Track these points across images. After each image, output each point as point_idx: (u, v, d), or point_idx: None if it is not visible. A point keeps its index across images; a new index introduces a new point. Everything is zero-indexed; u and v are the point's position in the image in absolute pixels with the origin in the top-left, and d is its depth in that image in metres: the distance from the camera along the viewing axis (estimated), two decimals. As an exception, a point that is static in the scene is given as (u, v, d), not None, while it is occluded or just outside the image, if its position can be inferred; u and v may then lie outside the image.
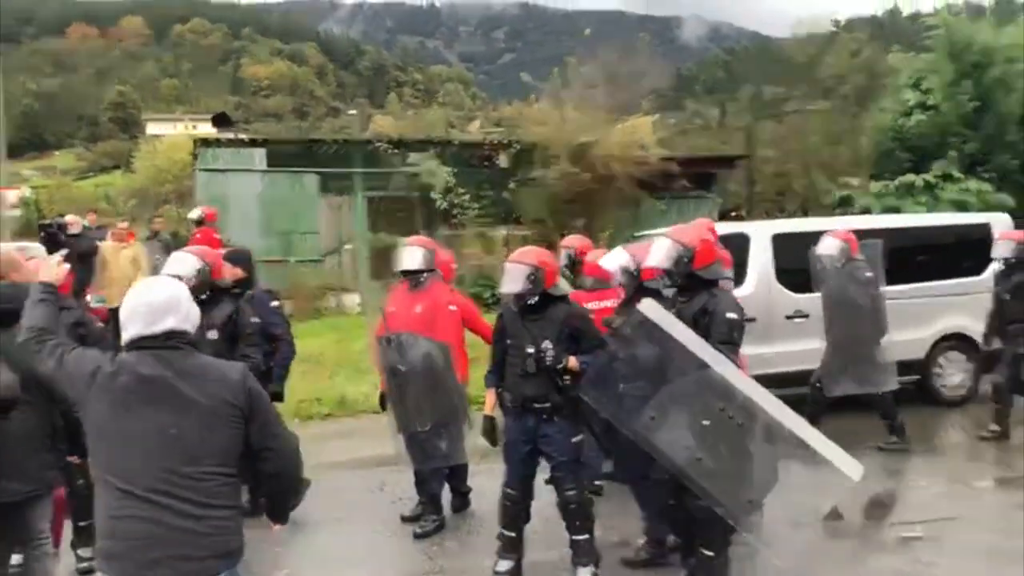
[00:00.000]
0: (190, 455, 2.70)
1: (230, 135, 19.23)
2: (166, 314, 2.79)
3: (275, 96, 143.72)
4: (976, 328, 8.47)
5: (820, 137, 19.73)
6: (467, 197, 16.38)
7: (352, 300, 15.33)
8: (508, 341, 5.03)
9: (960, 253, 9.07)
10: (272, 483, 2.99)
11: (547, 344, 4.73)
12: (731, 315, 4.45)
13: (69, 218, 11.78)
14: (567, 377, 4.79)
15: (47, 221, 12.26)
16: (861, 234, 7.38)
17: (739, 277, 7.85)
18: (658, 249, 4.74)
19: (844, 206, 17.22)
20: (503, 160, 17.02)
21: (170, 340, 2.79)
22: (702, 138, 23.73)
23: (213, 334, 5.30)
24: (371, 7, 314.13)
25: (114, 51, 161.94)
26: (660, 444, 3.99)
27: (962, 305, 8.83)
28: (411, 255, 5.99)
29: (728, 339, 4.35)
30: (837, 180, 18.41)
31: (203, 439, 2.73)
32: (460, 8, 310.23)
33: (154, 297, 2.83)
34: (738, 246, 7.69)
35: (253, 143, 16.65)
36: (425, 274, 5.93)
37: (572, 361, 4.79)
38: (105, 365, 2.78)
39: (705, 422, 3.94)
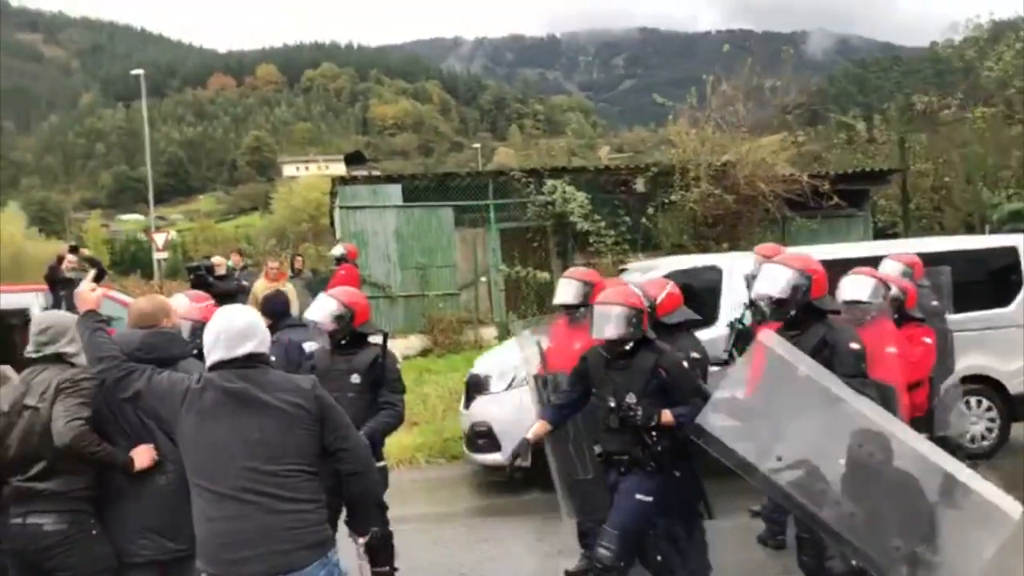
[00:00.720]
0: (271, 455, 2.97)
1: (363, 172, 19.36)
2: (245, 340, 3.11)
3: (401, 134, 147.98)
4: (1002, 368, 7.43)
5: (983, 146, 18.23)
6: (603, 224, 15.88)
7: (490, 333, 15.04)
8: (593, 389, 4.59)
9: (983, 281, 7.87)
10: (352, 483, 3.25)
11: (631, 398, 4.29)
12: (855, 346, 4.13)
13: (216, 260, 12.07)
14: (655, 434, 4.34)
15: (195, 263, 12.57)
16: (844, 263, 5.79)
17: (709, 317, 6.82)
18: (774, 276, 4.28)
19: (1015, 221, 15.78)
20: (640, 184, 16.45)
21: (249, 361, 3.10)
22: (849, 153, 22.44)
23: (356, 378, 5.04)
24: (491, 42, 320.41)
25: (250, 98, 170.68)
26: (790, 488, 3.62)
27: (984, 342, 7.62)
28: (567, 288, 5.61)
29: (856, 371, 4.02)
30: (1005, 192, 16.91)
31: (282, 440, 3.00)
32: (579, 37, 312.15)
33: (234, 324, 3.16)
34: (709, 281, 6.72)
35: (389, 179, 16.69)
36: (582, 308, 5.45)
37: (666, 416, 4.31)
38: (194, 385, 3.09)
39: (842, 461, 3.62)
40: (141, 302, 3.97)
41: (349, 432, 3.25)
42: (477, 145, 77.16)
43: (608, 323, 4.39)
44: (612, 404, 4.36)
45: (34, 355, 3.77)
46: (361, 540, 3.59)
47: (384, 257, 15.65)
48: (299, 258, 16.82)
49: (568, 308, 5.58)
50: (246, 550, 2.90)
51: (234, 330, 3.14)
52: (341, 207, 15.93)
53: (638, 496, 4.37)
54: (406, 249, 15.75)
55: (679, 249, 15.44)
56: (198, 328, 4.07)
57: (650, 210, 15.93)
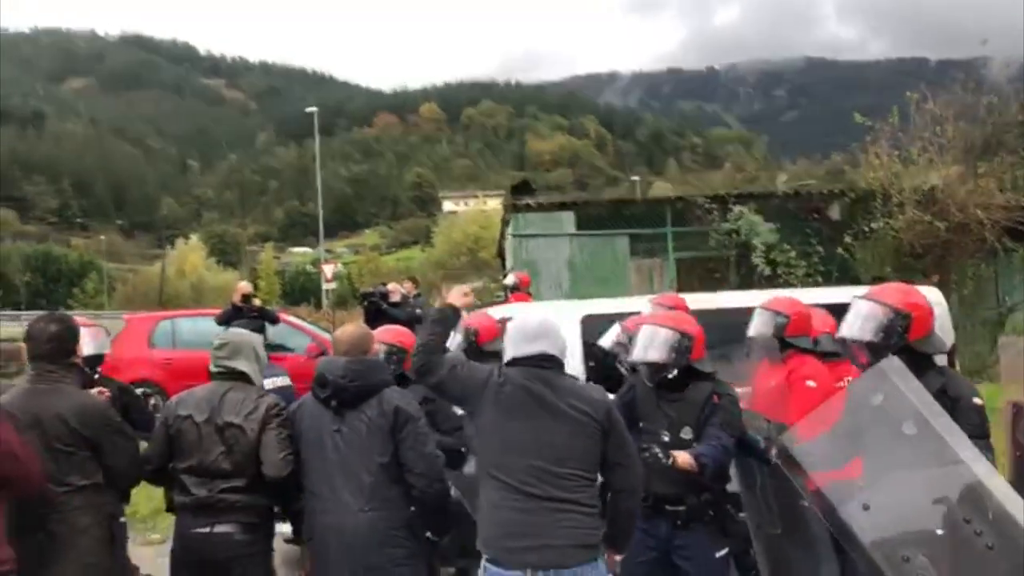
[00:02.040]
0: (558, 456, 3.16)
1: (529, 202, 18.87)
2: (538, 338, 3.35)
3: (557, 169, 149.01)
4: None
5: None
6: (793, 254, 14.61)
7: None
8: (640, 423, 4.05)
9: None
10: (619, 499, 3.35)
11: (687, 433, 3.91)
12: (978, 401, 3.46)
13: (391, 287, 11.77)
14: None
15: (370, 290, 12.31)
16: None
17: None
18: (863, 316, 3.57)
19: None
20: (835, 211, 15.09)
21: (542, 361, 3.32)
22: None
23: None
24: (648, 76, 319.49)
25: (413, 136, 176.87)
26: (872, 546, 3.04)
27: None
28: (760, 320, 4.78)
29: (982, 432, 3.30)
30: None
31: (569, 445, 3.19)
32: (739, 68, 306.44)
33: (528, 324, 3.43)
34: None
35: (563, 206, 16.07)
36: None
37: (683, 458, 3.71)
38: (494, 377, 3.33)
39: (939, 532, 2.99)
40: (348, 329, 3.97)
41: (630, 450, 3.37)
42: (636, 178, 76.10)
43: (650, 344, 4.05)
44: (667, 437, 3.91)
45: (216, 370, 3.87)
46: (618, 557, 3.64)
47: (556, 286, 14.97)
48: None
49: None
50: (525, 540, 3.12)
51: (529, 329, 3.40)
52: (513, 235, 15.43)
53: (716, 554, 3.94)
54: (579, 278, 15.03)
55: (879, 281, 13.96)
56: (394, 352, 4.58)
57: (847, 239, 14.52)
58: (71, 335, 3.67)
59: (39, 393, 3.49)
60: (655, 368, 4.04)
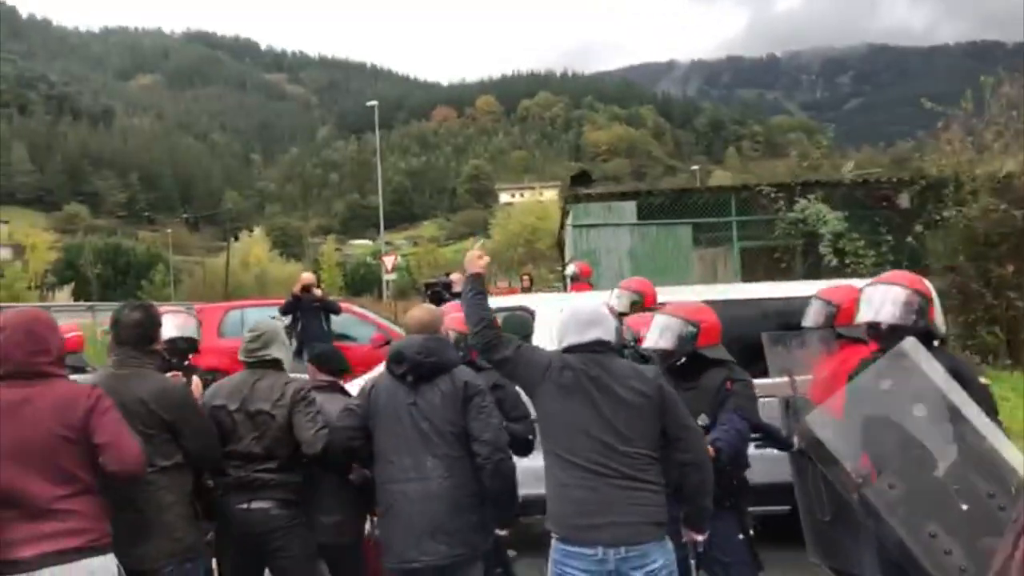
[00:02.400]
0: (622, 437, 3.25)
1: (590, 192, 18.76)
2: (592, 326, 3.45)
3: (614, 160, 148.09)
4: None
5: None
6: (861, 244, 14.25)
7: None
8: None
9: None
10: (687, 474, 3.38)
11: (703, 420, 3.97)
12: (985, 381, 3.73)
13: (453, 276, 11.83)
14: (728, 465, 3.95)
15: (432, 280, 12.41)
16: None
17: None
18: (888, 300, 3.64)
19: None
20: (904, 199, 14.67)
21: (596, 346, 3.42)
22: None
23: None
24: (707, 64, 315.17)
25: (470, 129, 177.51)
26: (896, 522, 3.10)
27: None
28: (813, 310, 4.83)
29: (991, 409, 3.36)
30: None
31: (630, 425, 3.28)
32: (802, 56, 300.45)
33: (582, 312, 3.53)
34: (519, 323, 5.56)
35: (624, 196, 15.92)
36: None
37: None
38: (555, 360, 3.45)
39: (964, 507, 3.06)
40: (420, 311, 4.14)
41: (689, 422, 3.44)
42: (695, 167, 75.34)
43: (659, 332, 4.28)
44: None
45: (249, 360, 4.11)
46: (699, 537, 3.64)
47: (617, 277, 14.71)
48: (526, 277, 16.45)
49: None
50: (596, 518, 3.20)
51: (582, 317, 3.49)
52: (573, 226, 15.34)
53: (739, 537, 4.07)
54: (640, 269, 14.80)
55: (951, 272, 13.62)
56: (461, 340, 4.55)
57: (917, 228, 14.12)
58: (153, 323, 3.83)
59: (121, 377, 3.63)
60: (663, 355, 4.22)
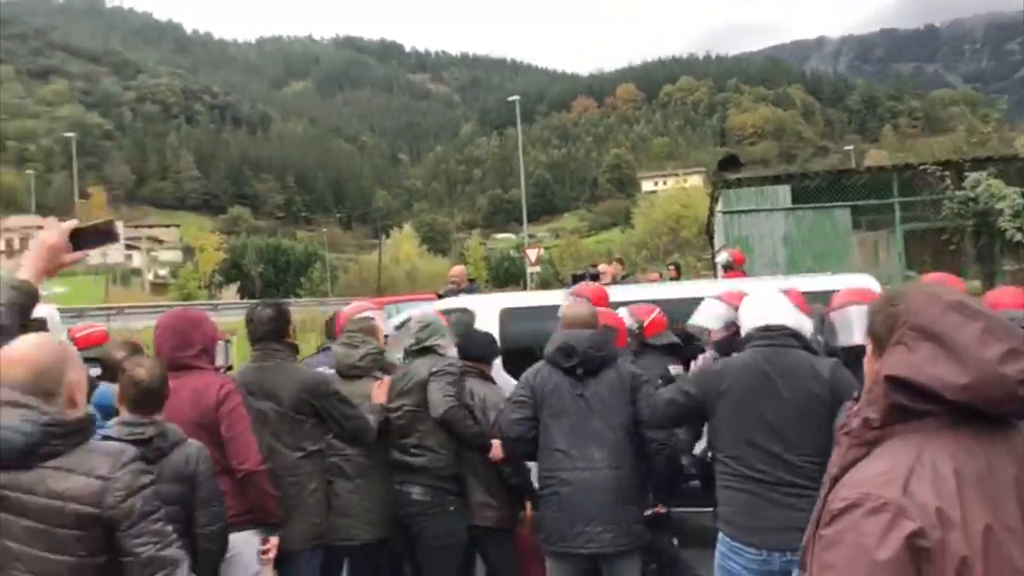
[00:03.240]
0: (785, 441, 3.17)
1: (745, 175, 18.17)
2: (775, 312, 3.42)
3: (761, 142, 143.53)
4: None
5: None
6: (1046, 220, 13.18)
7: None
8: None
9: None
10: None
11: None
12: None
13: (602, 267, 11.72)
14: None
15: (580, 271, 12.34)
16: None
17: None
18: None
19: None
20: (1091, 172, 13.47)
21: (779, 334, 3.35)
22: None
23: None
24: (859, 39, 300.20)
25: (610, 118, 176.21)
26: None
27: None
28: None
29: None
30: None
31: (794, 429, 3.18)
32: (964, 24, 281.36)
33: (763, 300, 3.53)
34: (462, 324, 5.36)
35: (777, 179, 15.36)
36: None
37: None
38: (714, 364, 3.57)
39: None
40: (579, 307, 4.22)
41: None
42: (849, 147, 71.92)
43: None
44: None
45: (414, 348, 4.38)
46: None
47: (771, 264, 14.32)
48: (672, 267, 16.13)
49: None
50: (766, 521, 3.16)
51: (765, 305, 3.47)
52: (724, 212, 14.92)
53: None
54: (796, 255, 14.30)
55: None
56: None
57: (1112, 205, 12.94)
58: (284, 318, 4.09)
59: (266, 369, 3.89)
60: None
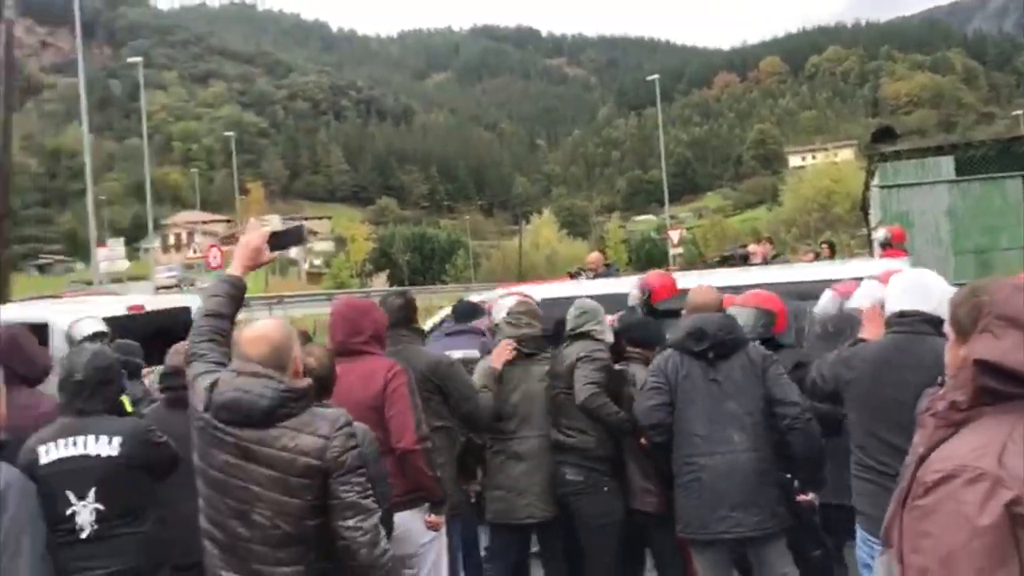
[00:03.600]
0: (908, 433, 2.75)
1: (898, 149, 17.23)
2: (915, 295, 3.22)
3: (916, 111, 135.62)
4: None
5: None
6: None
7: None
8: None
9: None
10: None
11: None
12: None
13: (751, 247, 11.47)
14: None
15: (728, 251, 12.14)
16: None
17: None
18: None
19: None
20: None
21: (913, 320, 3.18)
22: None
23: None
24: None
25: (753, 92, 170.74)
26: None
27: None
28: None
29: None
30: None
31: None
32: None
33: (907, 280, 3.33)
34: None
35: (939, 150, 14.51)
36: None
37: None
38: (844, 351, 3.42)
39: None
40: (707, 290, 4.26)
41: None
42: (1017, 112, 66.74)
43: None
44: None
45: (571, 333, 4.47)
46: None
47: (934, 240, 13.58)
48: (825, 246, 15.53)
49: None
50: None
51: (909, 284, 3.29)
52: (880, 187, 14.23)
53: None
54: (961, 230, 13.50)
55: None
56: (762, 317, 4.53)
57: None
58: (411, 306, 4.42)
59: (396, 353, 4.12)
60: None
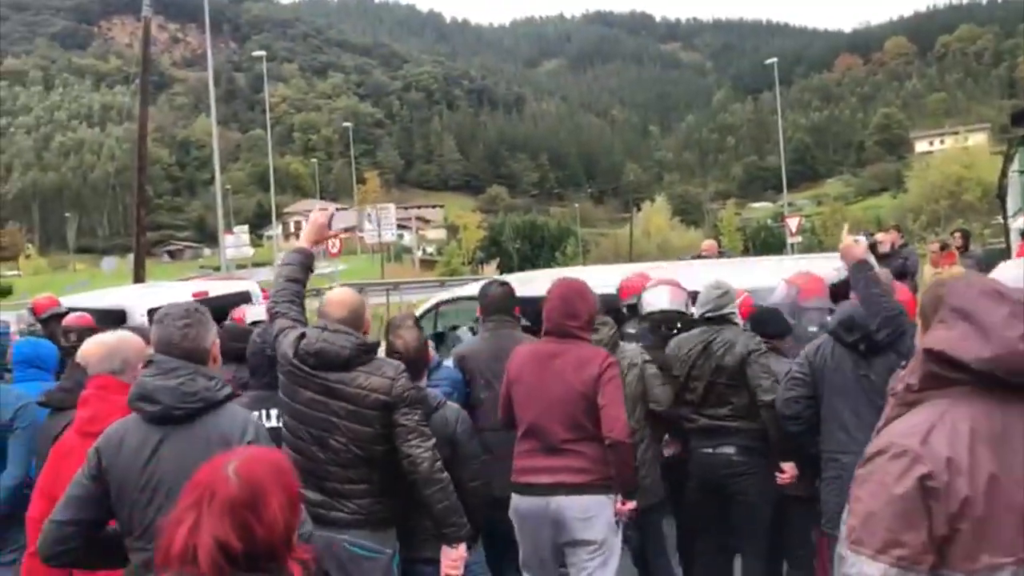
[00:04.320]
0: None
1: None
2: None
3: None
4: None
5: None
6: None
7: None
8: None
9: None
10: None
11: None
12: None
13: (879, 236, 11.00)
14: None
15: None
16: None
17: None
18: None
19: None
20: None
21: None
22: None
23: None
24: None
25: (878, 75, 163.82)
26: None
27: None
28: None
29: None
30: None
31: None
32: None
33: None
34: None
35: (1086, 132, 13.64)
36: None
37: None
38: None
39: None
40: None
41: None
42: None
43: None
44: None
45: (709, 314, 4.44)
46: None
47: (1081, 229, 12.81)
48: (958, 234, 14.77)
49: None
50: None
51: None
52: (1021, 172, 13.48)
53: None
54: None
55: None
56: None
57: None
58: (512, 294, 4.64)
59: (502, 336, 4.45)
60: None
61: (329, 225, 3.65)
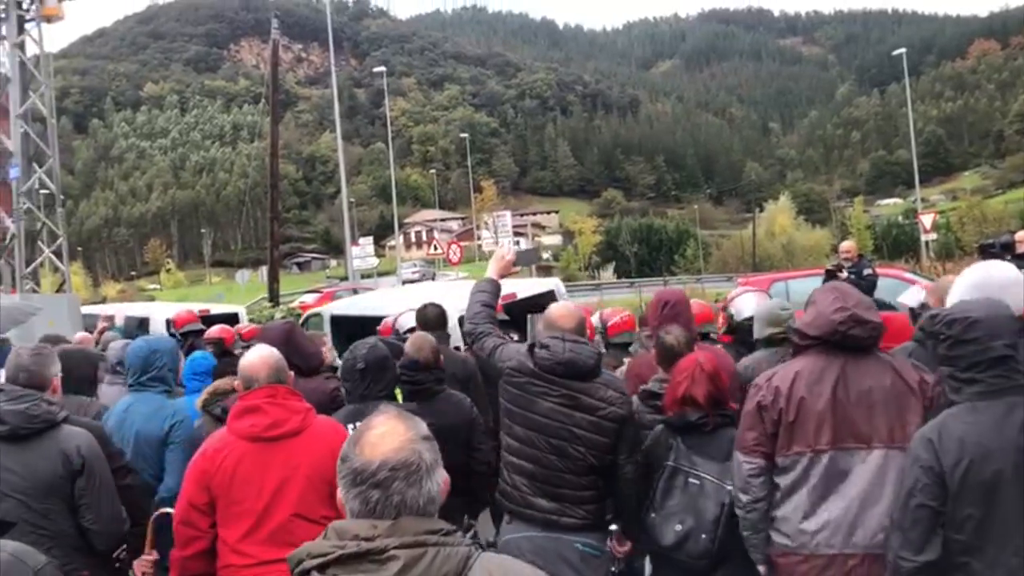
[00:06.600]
0: None
1: None
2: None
3: None
4: None
5: None
6: None
7: None
8: None
9: None
10: None
11: None
12: None
13: (1020, 234, 10.30)
14: None
15: (988, 240, 11.00)
16: None
17: None
18: None
19: None
20: None
21: None
22: None
23: None
24: None
25: (1017, 60, 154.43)
26: None
27: None
28: None
29: None
30: None
31: None
32: None
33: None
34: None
35: None
36: None
37: None
38: None
39: None
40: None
41: None
42: None
43: None
44: None
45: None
46: None
47: None
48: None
49: None
50: None
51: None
52: None
53: None
54: None
55: None
56: None
57: None
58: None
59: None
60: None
61: (520, 260, 4.11)
